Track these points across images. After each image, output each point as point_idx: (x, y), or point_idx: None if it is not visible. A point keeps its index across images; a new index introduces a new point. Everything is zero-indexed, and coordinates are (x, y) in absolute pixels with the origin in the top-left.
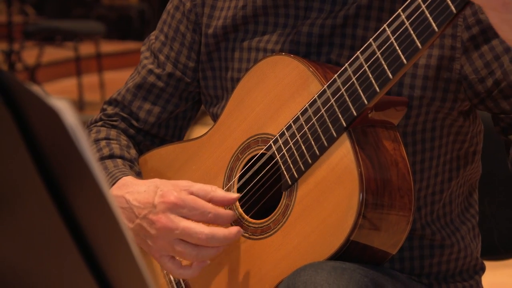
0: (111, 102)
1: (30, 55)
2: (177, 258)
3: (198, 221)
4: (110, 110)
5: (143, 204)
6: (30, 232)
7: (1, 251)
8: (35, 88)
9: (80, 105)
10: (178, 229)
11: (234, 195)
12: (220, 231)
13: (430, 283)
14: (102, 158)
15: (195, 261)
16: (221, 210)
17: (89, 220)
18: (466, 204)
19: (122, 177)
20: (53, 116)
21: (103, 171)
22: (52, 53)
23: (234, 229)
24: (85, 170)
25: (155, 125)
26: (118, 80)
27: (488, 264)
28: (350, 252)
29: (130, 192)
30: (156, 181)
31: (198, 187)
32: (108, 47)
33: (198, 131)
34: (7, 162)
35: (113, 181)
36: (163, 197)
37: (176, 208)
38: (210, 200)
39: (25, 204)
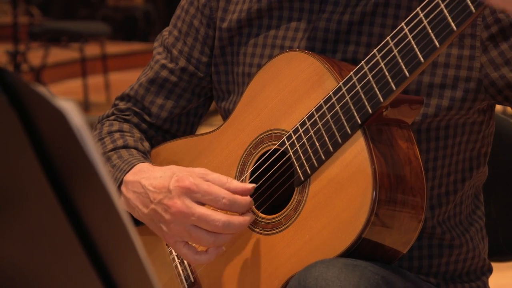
0: (123, 97)
1: (35, 56)
2: (192, 244)
3: (211, 206)
4: (122, 105)
5: (159, 189)
6: (37, 233)
7: (8, 252)
8: (41, 89)
9: (85, 106)
10: (195, 215)
11: (250, 185)
12: (236, 218)
13: (438, 283)
14: (116, 148)
15: (211, 247)
16: (238, 197)
17: (95, 221)
18: (473, 206)
19: (138, 163)
20: (60, 117)
21: (118, 160)
22: (58, 54)
23: (248, 216)
24: (91, 171)
25: (167, 120)
26: (124, 81)
27: (493, 265)
28: (361, 249)
29: (146, 178)
30: (172, 167)
31: (214, 176)
32: (114, 48)
33: (202, 131)
34: (13, 163)
35: (129, 167)
36: (178, 181)
37: (190, 193)
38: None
39: (32, 205)
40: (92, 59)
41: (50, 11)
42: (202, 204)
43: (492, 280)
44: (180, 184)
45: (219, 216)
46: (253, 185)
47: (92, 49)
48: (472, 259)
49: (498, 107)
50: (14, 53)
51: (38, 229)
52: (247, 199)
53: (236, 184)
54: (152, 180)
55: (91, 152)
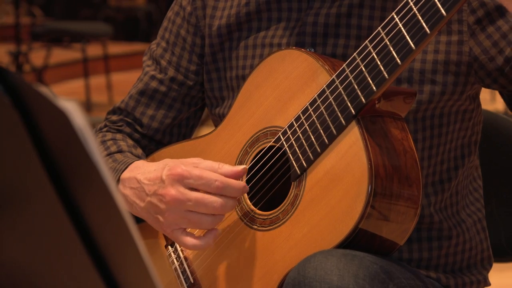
0: (115, 110)
1: (37, 56)
2: (189, 229)
3: (205, 191)
4: (114, 117)
5: (152, 181)
6: (39, 233)
7: (10, 252)
8: (44, 90)
9: (87, 106)
10: (191, 200)
11: (240, 167)
12: (230, 197)
13: (438, 277)
14: (110, 154)
15: (210, 228)
16: (231, 180)
17: (97, 220)
18: (471, 198)
19: (133, 161)
20: (62, 118)
21: (113, 163)
22: (60, 55)
23: (244, 189)
24: (93, 171)
25: (159, 131)
26: (125, 82)
27: (496, 265)
28: (358, 240)
29: (141, 173)
30: (166, 160)
31: (206, 163)
32: (115, 48)
33: (204, 132)
34: (15, 163)
35: (125, 166)
36: (170, 170)
37: (183, 179)
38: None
39: (34, 205)
40: (94, 59)
41: (52, 12)
42: (196, 190)
43: (495, 280)
44: (172, 172)
45: (216, 197)
46: (244, 166)
47: (94, 50)
48: (470, 251)
49: (500, 107)
50: (16, 54)
51: (41, 229)
52: (241, 183)
53: (227, 168)
54: (146, 174)
55: (93, 153)
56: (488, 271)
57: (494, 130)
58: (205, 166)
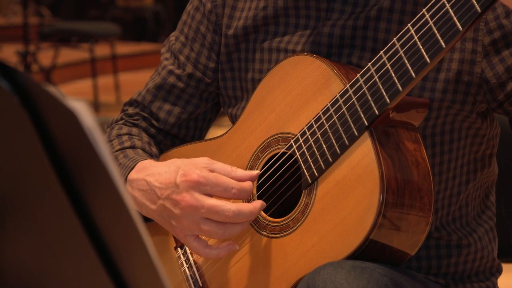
0: (132, 103)
1: (45, 56)
2: (203, 237)
3: (221, 197)
4: (130, 110)
5: (165, 185)
6: (48, 233)
7: (20, 253)
8: (53, 90)
9: (95, 106)
10: (204, 207)
11: (254, 172)
12: (245, 206)
13: (447, 283)
14: (123, 149)
15: (223, 241)
16: (245, 184)
17: (106, 221)
18: (482, 206)
19: (141, 160)
20: (71, 118)
21: (124, 158)
22: (68, 55)
23: (258, 203)
24: (102, 171)
25: (175, 126)
26: (133, 82)
27: (503, 266)
28: (369, 251)
29: (150, 174)
30: (176, 161)
31: (219, 165)
32: (123, 48)
33: (212, 132)
34: (24, 163)
35: (134, 163)
36: (185, 176)
37: (199, 186)
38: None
39: (42, 205)
40: (102, 59)
41: (60, 12)
42: (210, 195)
43: (502, 281)
44: (187, 179)
45: (229, 206)
46: (258, 171)
47: (102, 50)
48: (480, 259)
49: None
50: (24, 54)
51: (49, 229)
52: (251, 184)
53: (241, 172)
54: (157, 176)
55: (102, 153)
56: (497, 277)
57: (503, 130)
58: (218, 169)
